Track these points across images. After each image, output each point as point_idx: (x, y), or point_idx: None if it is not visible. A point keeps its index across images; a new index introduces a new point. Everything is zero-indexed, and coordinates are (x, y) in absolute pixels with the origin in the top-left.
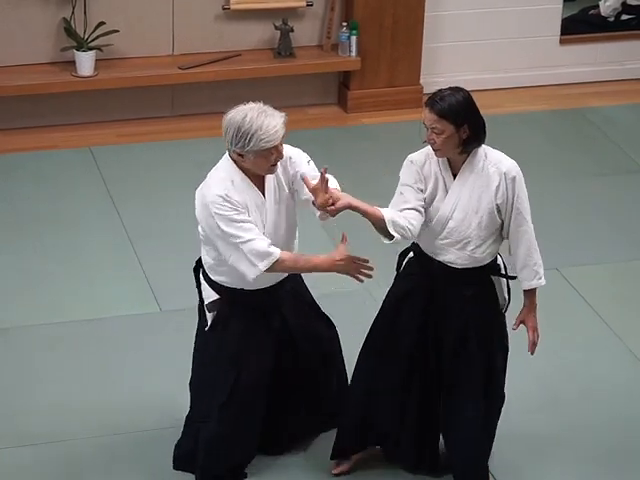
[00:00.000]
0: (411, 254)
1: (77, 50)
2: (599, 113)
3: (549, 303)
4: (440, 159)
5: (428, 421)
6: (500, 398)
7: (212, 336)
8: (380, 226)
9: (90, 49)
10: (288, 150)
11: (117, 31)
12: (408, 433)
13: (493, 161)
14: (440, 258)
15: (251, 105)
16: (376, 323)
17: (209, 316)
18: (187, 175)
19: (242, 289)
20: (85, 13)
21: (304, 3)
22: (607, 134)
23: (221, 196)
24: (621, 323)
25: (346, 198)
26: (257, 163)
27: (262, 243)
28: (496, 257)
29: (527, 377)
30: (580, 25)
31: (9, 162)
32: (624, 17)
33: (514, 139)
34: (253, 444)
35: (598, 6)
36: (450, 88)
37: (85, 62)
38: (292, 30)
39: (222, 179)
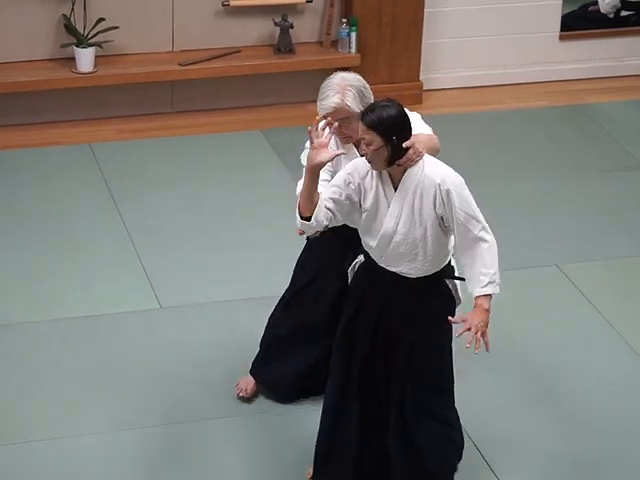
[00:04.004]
0: (361, 257)
1: (77, 46)
2: (599, 109)
3: (549, 299)
4: (383, 172)
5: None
6: (450, 395)
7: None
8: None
9: (90, 45)
10: None
11: (117, 27)
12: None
13: (428, 172)
14: (393, 269)
15: (348, 77)
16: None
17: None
18: (187, 171)
19: None
20: (85, 9)
21: None
22: (607, 130)
23: None
24: (621, 319)
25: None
26: None
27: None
28: (450, 260)
29: (526, 373)
30: (580, 21)
31: (9, 158)
32: (624, 13)
33: (514, 136)
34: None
35: (598, 2)
36: (384, 100)
37: (85, 58)
38: (292, 26)
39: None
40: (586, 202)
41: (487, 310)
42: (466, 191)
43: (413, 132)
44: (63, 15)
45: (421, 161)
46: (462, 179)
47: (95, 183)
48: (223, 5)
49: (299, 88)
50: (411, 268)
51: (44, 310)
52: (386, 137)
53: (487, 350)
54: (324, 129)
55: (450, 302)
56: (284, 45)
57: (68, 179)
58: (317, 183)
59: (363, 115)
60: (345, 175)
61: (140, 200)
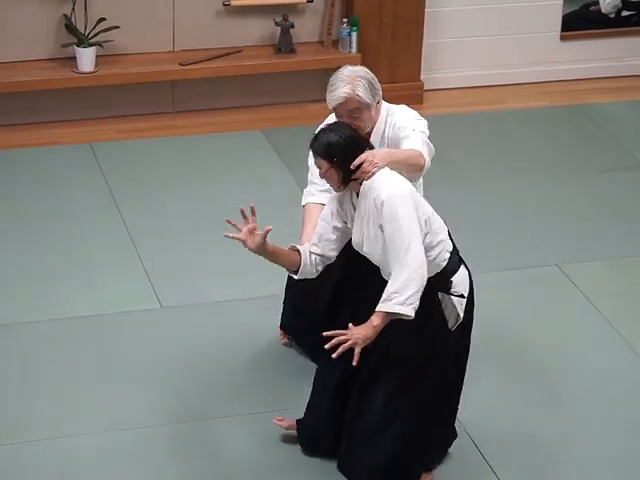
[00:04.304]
0: None
1: (78, 46)
2: (599, 109)
3: (549, 299)
4: (352, 193)
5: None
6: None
7: None
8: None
9: (91, 45)
10: (398, 118)
11: (118, 27)
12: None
13: (375, 187)
14: (381, 273)
15: (357, 70)
16: None
17: None
18: (187, 171)
19: None
20: (86, 9)
21: None
22: (607, 130)
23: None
24: (621, 319)
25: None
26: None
27: (310, 189)
28: (438, 274)
29: (526, 373)
30: (581, 21)
31: (9, 158)
32: (625, 13)
33: (514, 135)
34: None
35: (599, 2)
36: (330, 124)
37: (86, 58)
38: (292, 26)
39: (332, 119)
40: (586, 202)
41: (374, 327)
42: (401, 207)
43: (406, 142)
44: (64, 15)
45: (374, 176)
46: (402, 194)
47: (95, 183)
48: (224, 5)
49: (300, 88)
50: (383, 276)
51: (45, 310)
52: (329, 160)
53: (353, 363)
54: (244, 215)
55: (435, 317)
56: (285, 45)
57: (68, 179)
58: (271, 253)
59: (310, 142)
60: (329, 206)
61: (140, 200)
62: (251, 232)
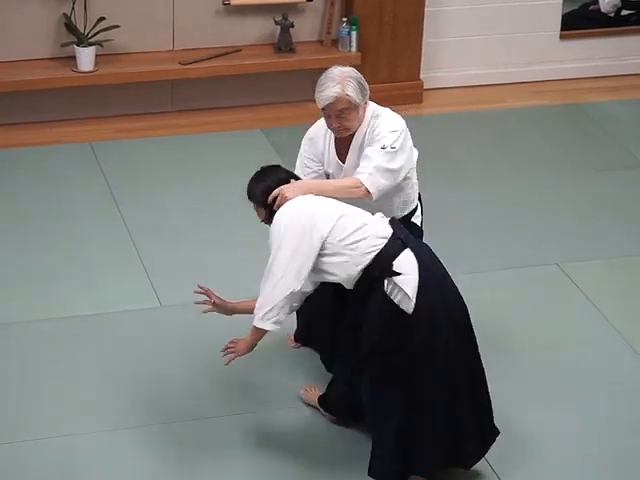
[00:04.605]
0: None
1: (77, 45)
2: (599, 108)
3: (549, 298)
4: None
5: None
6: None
7: None
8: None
9: (90, 44)
10: (379, 123)
11: (117, 26)
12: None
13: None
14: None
15: (346, 70)
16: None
17: None
18: (187, 170)
19: None
20: (85, 8)
21: None
22: (607, 129)
23: (307, 137)
24: (621, 318)
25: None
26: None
27: None
28: (374, 261)
29: (525, 372)
30: (580, 21)
31: (9, 157)
32: (624, 13)
33: (513, 134)
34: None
35: (598, 2)
36: (263, 168)
37: (85, 57)
38: (292, 25)
39: (322, 123)
40: (585, 201)
41: (247, 342)
42: (278, 226)
43: (362, 164)
44: (64, 14)
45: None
46: (286, 214)
47: (96, 182)
48: (224, 4)
49: (299, 87)
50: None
51: (45, 309)
52: (252, 200)
53: (224, 364)
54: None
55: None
56: (284, 44)
57: (69, 178)
58: (245, 310)
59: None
60: None
61: (140, 199)
62: (216, 304)
